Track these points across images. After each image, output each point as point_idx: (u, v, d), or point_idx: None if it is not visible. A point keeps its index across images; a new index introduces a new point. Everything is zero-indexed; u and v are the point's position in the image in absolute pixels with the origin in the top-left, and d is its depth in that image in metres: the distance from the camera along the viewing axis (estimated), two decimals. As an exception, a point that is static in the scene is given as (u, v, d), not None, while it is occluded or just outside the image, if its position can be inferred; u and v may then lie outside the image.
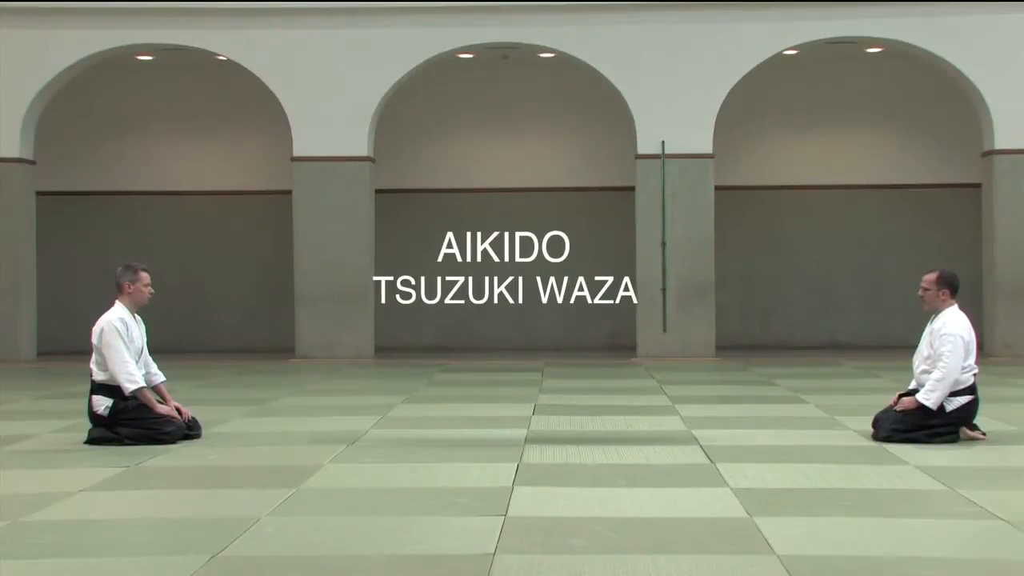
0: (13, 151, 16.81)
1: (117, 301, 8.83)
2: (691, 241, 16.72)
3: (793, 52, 17.18)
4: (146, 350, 8.98)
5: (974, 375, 8.65)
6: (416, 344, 18.78)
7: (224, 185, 19.19)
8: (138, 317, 8.95)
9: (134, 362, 8.69)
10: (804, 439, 8.83)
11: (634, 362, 16.19)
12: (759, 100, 18.24)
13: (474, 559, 5.32)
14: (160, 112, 19.18)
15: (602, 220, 18.85)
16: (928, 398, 8.52)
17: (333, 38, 16.83)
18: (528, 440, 8.82)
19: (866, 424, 9.44)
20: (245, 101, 18.55)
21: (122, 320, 8.71)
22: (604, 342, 18.65)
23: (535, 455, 8.16)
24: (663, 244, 16.71)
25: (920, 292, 8.79)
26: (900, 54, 17.42)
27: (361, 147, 16.93)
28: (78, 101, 18.59)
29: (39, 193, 17.49)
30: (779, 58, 16.98)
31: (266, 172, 18.89)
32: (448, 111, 19.10)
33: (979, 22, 16.56)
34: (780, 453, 8.18)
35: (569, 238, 19.09)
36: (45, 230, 17.84)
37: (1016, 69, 16.54)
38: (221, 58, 17.22)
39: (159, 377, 8.98)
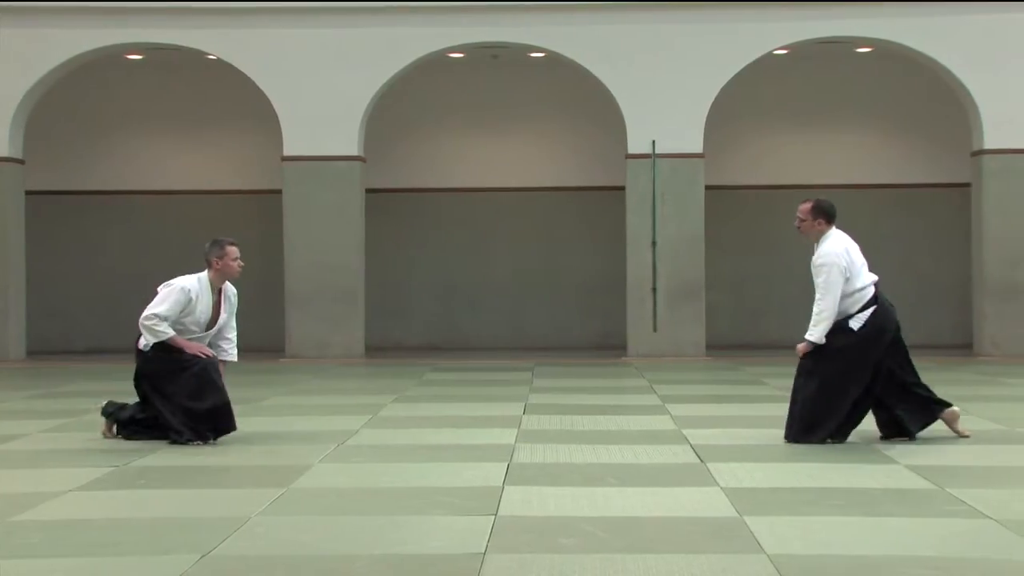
0: (2, 150, 16.77)
1: (203, 272, 8.74)
2: (681, 240, 16.73)
3: (783, 52, 17.21)
4: (230, 324, 8.86)
5: (875, 284, 8.49)
6: (406, 344, 18.77)
7: (214, 184, 19.16)
8: (231, 291, 8.83)
9: (167, 324, 8.52)
10: (794, 438, 8.83)
11: (624, 362, 16.20)
12: (749, 100, 18.25)
13: (464, 558, 5.32)
14: (150, 111, 19.15)
15: (592, 220, 18.86)
16: (812, 333, 8.39)
17: (324, 37, 16.82)
18: (519, 439, 8.83)
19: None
20: (235, 100, 18.51)
21: (185, 290, 8.58)
22: (594, 341, 18.65)
23: (525, 454, 8.16)
24: (653, 244, 16.72)
25: (796, 223, 8.74)
26: (890, 54, 17.45)
27: (351, 146, 16.91)
28: (68, 100, 18.54)
29: (28, 192, 17.45)
30: (769, 58, 17.00)
31: (256, 171, 18.86)
32: (438, 111, 19.09)
33: (968, 22, 16.59)
34: (770, 453, 8.20)
35: (559, 238, 19.10)
36: (34, 229, 17.81)
37: (1005, 69, 16.58)
38: (211, 57, 17.20)
39: (227, 355, 8.88)
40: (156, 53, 17.76)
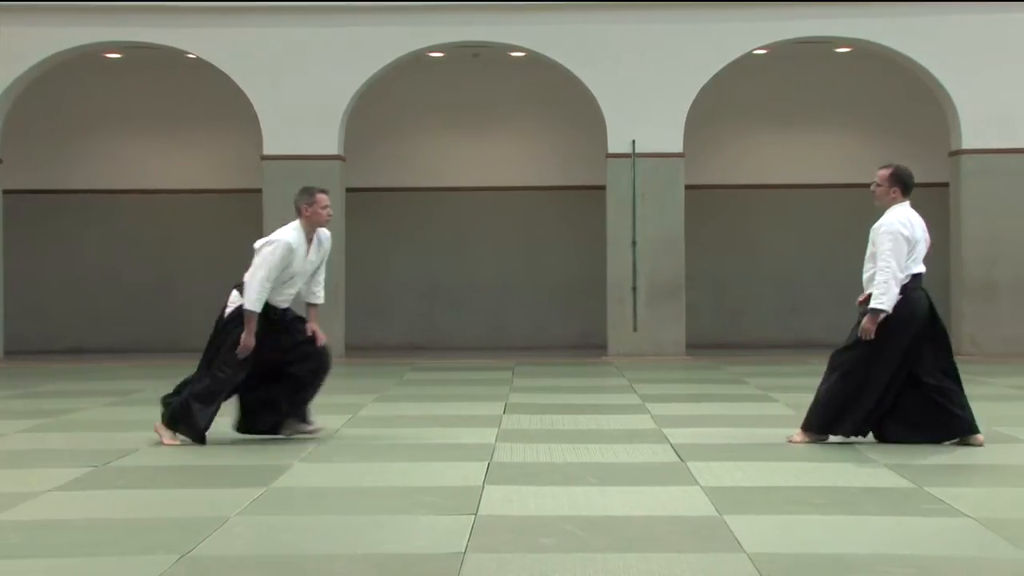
0: (-20, 149, 16.70)
1: (295, 222, 8.73)
2: (661, 240, 16.75)
3: (763, 52, 17.24)
4: (321, 268, 8.86)
5: (911, 276, 8.24)
6: (387, 343, 18.74)
7: (194, 184, 19.10)
8: (324, 235, 8.80)
9: (269, 287, 8.49)
10: (774, 437, 8.84)
11: (605, 361, 16.21)
12: (729, 99, 18.28)
13: (444, 558, 5.32)
14: (129, 110, 19.07)
15: (573, 219, 18.86)
16: (881, 301, 8.07)
17: (303, 37, 16.78)
18: (499, 439, 8.82)
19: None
20: (215, 100, 18.45)
21: (290, 245, 8.55)
22: (575, 341, 18.66)
23: (506, 454, 8.16)
24: (633, 243, 16.74)
25: (872, 187, 8.59)
26: (869, 54, 17.51)
27: (331, 146, 16.88)
28: (46, 99, 18.45)
29: (6, 191, 17.37)
30: (749, 58, 17.04)
31: (236, 171, 18.80)
32: (419, 110, 19.07)
33: (947, 23, 16.65)
34: (750, 451, 8.21)
35: (540, 237, 19.10)
36: (12, 229, 17.72)
37: (983, 70, 16.64)
38: (191, 56, 17.15)
39: (317, 298, 8.89)
40: (135, 52, 17.69)
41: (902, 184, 8.38)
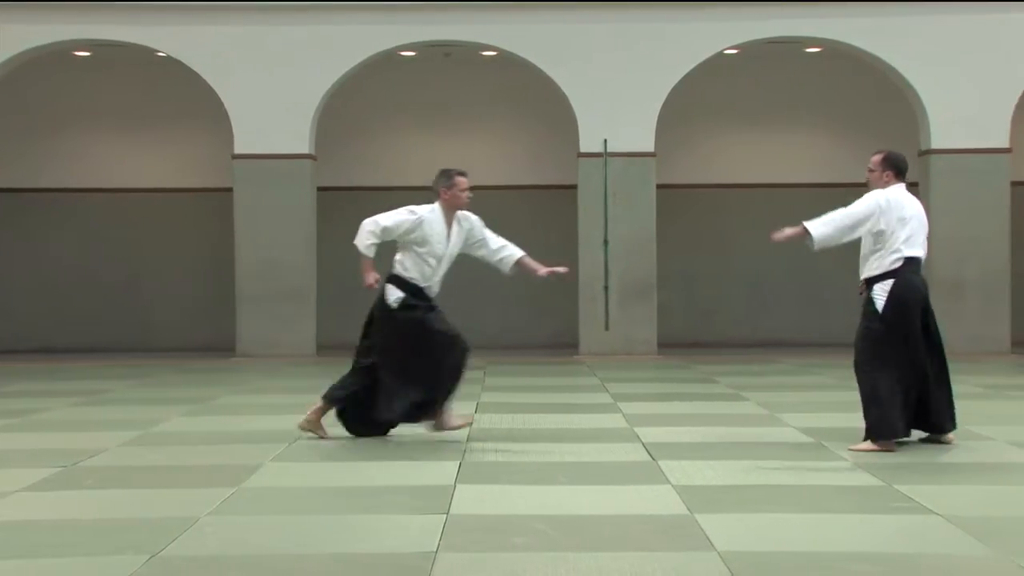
0: (-52, 147, 16.59)
1: (436, 203, 8.80)
2: (633, 239, 16.78)
3: (734, 52, 17.29)
4: (488, 238, 9.10)
5: (904, 259, 8.15)
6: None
7: (164, 183, 19.01)
8: (463, 215, 8.88)
9: (379, 237, 8.65)
10: (745, 436, 8.88)
11: (576, 360, 16.23)
12: (700, 99, 18.32)
13: (416, 557, 5.31)
14: (99, 109, 18.97)
15: (544, 218, 18.86)
16: (815, 227, 8.13)
17: (274, 35, 16.73)
18: (470, 438, 8.82)
19: (805, 420, 9.52)
20: (185, 98, 18.37)
21: (416, 213, 8.66)
22: (547, 340, 18.66)
23: (477, 453, 8.16)
24: (605, 242, 16.76)
25: (867, 173, 8.60)
26: (839, 54, 17.59)
27: (302, 145, 16.84)
28: (13, 97, 18.33)
29: (-26, 190, 17.28)
30: (720, 57, 17.09)
31: (207, 169, 18.73)
32: (390, 109, 19.04)
33: (916, 23, 16.74)
34: (721, 450, 8.23)
35: (511, 236, 19.08)
36: (-20, 227, 17.62)
37: (952, 70, 16.75)
38: (161, 54, 17.07)
39: (514, 254, 9.13)
40: (105, 50, 17.60)
41: (895, 167, 8.39)
